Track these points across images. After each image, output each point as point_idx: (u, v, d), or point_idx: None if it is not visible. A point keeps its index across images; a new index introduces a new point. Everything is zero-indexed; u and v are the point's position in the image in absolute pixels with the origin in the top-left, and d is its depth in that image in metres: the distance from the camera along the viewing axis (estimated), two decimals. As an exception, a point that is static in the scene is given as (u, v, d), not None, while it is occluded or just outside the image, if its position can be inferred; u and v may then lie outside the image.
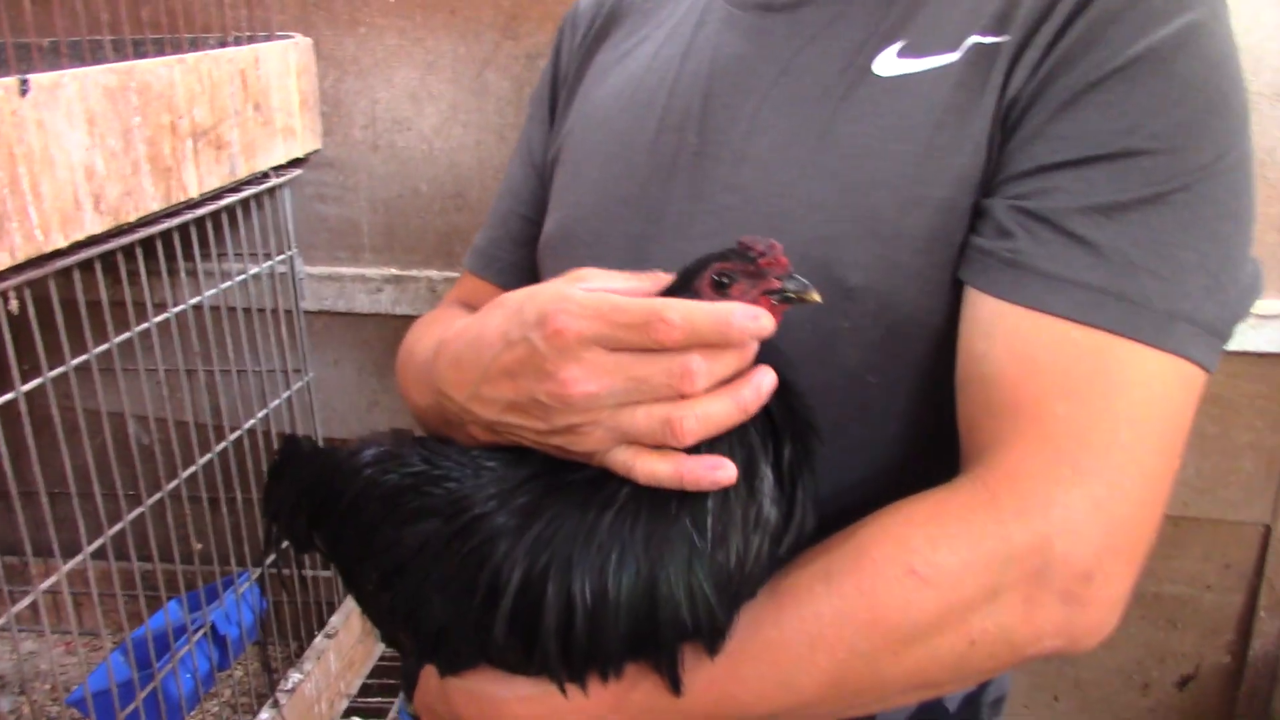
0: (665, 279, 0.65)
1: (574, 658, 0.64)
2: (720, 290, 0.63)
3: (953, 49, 0.73)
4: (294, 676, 1.64)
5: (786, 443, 0.64)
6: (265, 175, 1.57)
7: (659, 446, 0.62)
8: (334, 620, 1.79)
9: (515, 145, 1.08)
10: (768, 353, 0.64)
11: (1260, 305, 1.56)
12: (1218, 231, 0.67)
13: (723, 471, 0.60)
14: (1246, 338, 1.56)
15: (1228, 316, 0.67)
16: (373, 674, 1.87)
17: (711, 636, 0.64)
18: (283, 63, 1.58)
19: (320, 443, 1.72)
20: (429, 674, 0.75)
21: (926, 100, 0.72)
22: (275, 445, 1.62)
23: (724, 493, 0.62)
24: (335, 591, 1.83)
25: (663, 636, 0.62)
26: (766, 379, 0.61)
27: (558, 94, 1.00)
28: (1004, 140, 0.71)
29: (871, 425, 0.76)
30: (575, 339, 0.60)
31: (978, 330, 0.69)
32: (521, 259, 1.02)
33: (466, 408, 0.70)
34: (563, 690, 0.66)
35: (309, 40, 1.64)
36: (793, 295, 0.62)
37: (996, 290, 0.68)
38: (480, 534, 0.66)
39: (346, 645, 1.80)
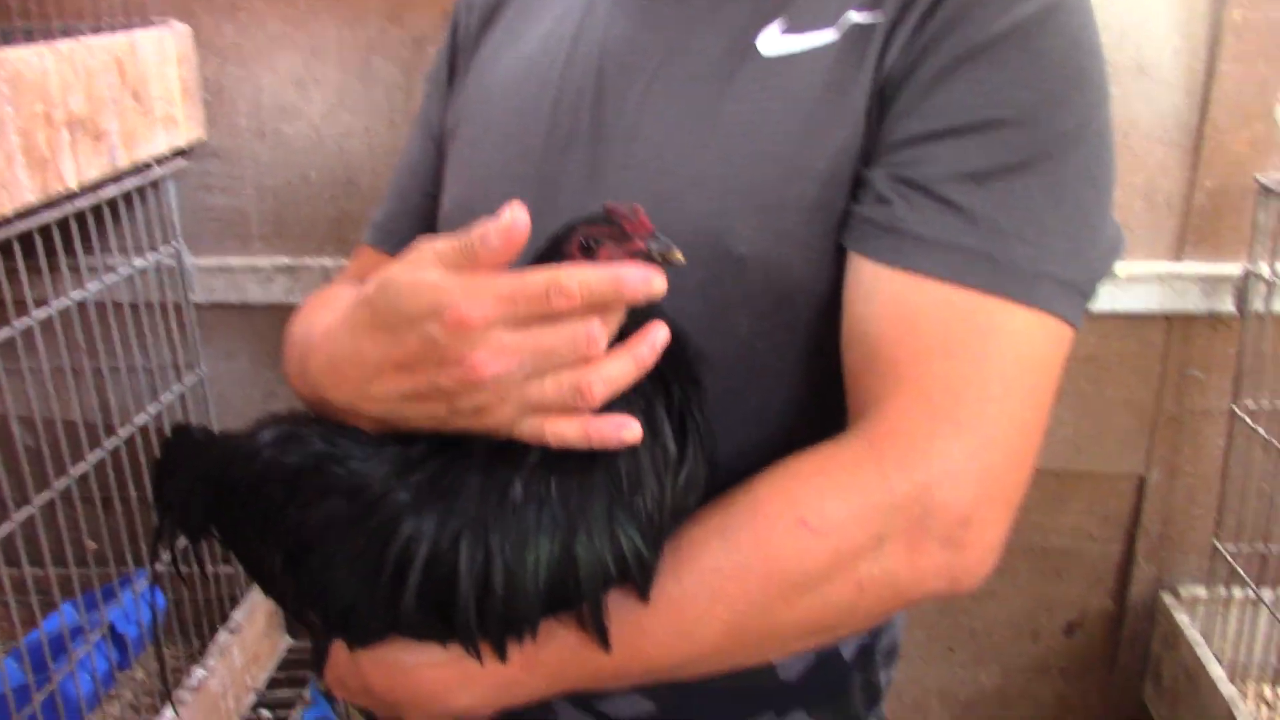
0: (506, 228, 0.63)
1: (491, 623, 0.65)
2: (587, 253, 0.65)
3: (831, 26, 0.76)
4: (198, 673, 1.62)
5: (675, 386, 0.67)
6: (147, 166, 1.54)
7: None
8: (237, 615, 1.77)
9: (411, 123, 1.08)
10: (649, 312, 0.66)
11: (1129, 268, 1.65)
12: (1079, 196, 0.71)
13: (628, 430, 0.63)
14: (1117, 298, 1.64)
15: (1090, 276, 0.72)
16: (280, 666, 1.86)
17: (642, 577, 0.66)
18: (160, 50, 1.54)
19: (216, 436, 1.70)
20: (339, 648, 0.76)
21: (808, 77, 0.75)
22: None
23: (630, 454, 0.64)
24: (238, 586, 1.81)
25: (586, 589, 0.64)
26: (660, 334, 0.63)
27: (455, 71, 1.00)
28: (881, 113, 0.74)
29: (764, 390, 0.79)
30: (481, 324, 0.60)
31: (859, 293, 0.73)
32: (421, 232, 1.03)
33: (353, 407, 0.70)
34: (478, 657, 0.67)
35: (187, 27, 1.61)
36: (657, 255, 0.64)
37: (877, 255, 0.71)
38: (384, 510, 0.67)
39: (251, 639, 1.78)
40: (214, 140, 1.69)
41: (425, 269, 0.64)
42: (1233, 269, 1.62)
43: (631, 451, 0.65)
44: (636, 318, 0.66)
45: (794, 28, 0.77)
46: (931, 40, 0.72)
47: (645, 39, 0.83)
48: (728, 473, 0.72)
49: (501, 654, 0.67)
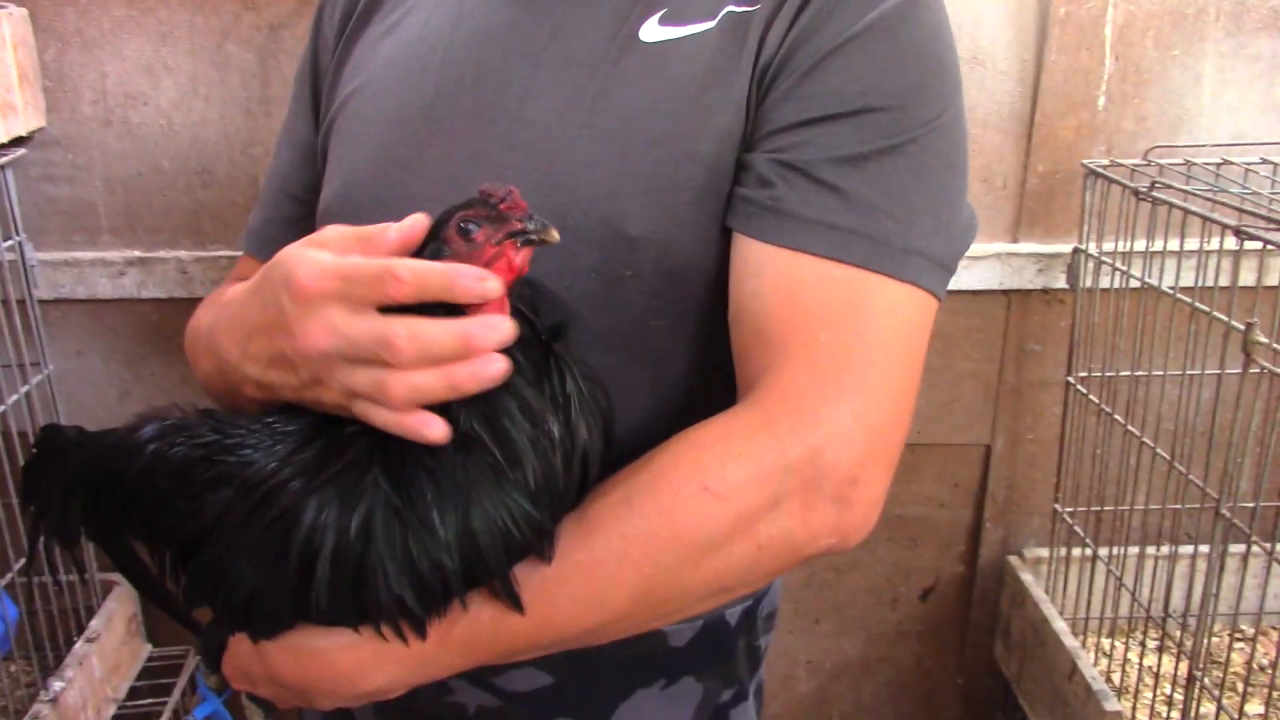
0: (407, 225, 0.68)
1: (409, 607, 0.66)
2: (466, 236, 0.67)
3: (710, 18, 0.80)
4: (55, 685, 1.55)
5: (555, 373, 0.69)
6: (-14, 156, 1.46)
7: None
8: (94, 624, 1.70)
9: (280, 127, 1.07)
10: (539, 294, 0.68)
11: (972, 248, 1.74)
12: (941, 178, 0.77)
13: (431, 429, 0.65)
14: (961, 277, 1.73)
15: (952, 252, 0.78)
16: (141, 675, 1.79)
17: (537, 540, 0.68)
18: (-3, 35, 1.47)
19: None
20: (240, 641, 0.75)
21: (689, 64, 0.79)
22: (16, 445, 1.52)
23: (502, 425, 0.66)
24: (94, 594, 1.74)
25: (490, 557, 0.66)
26: (490, 367, 0.64)
27: (320, 71, 1.00)
28: (760, 100, 0.78)
29: (658, 365, 0.82)
30: (316, 295, 0.65)
31: (746, 271, 0.76)
32: (295, 238, 1.02)
33: (238, 366, 0.75)
34: (402, 638, 0.68)
35: (24, 10, 1.53)
36: (534, 236, 0.66)
37: (761, 234, 0.76)
38: (282, 499, 0.67)
39: (110, 648, 1.71)
40: (55, 129, 1.61)
41: (314, 247, 0.68)
42: (1064, 248, 1.73)
43: (505, 435, 0.66)
44: (525, 300, 0.68)
45: (673, 19, 0.81)
46: (806, 30, 0.76)
47: (525, 24, 0.85)
48: (627, 444, 0.75)
49: (422, 633, 0.68)
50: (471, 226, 0.66)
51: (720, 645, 0.93)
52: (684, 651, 0.90)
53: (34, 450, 0.84)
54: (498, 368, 0.64)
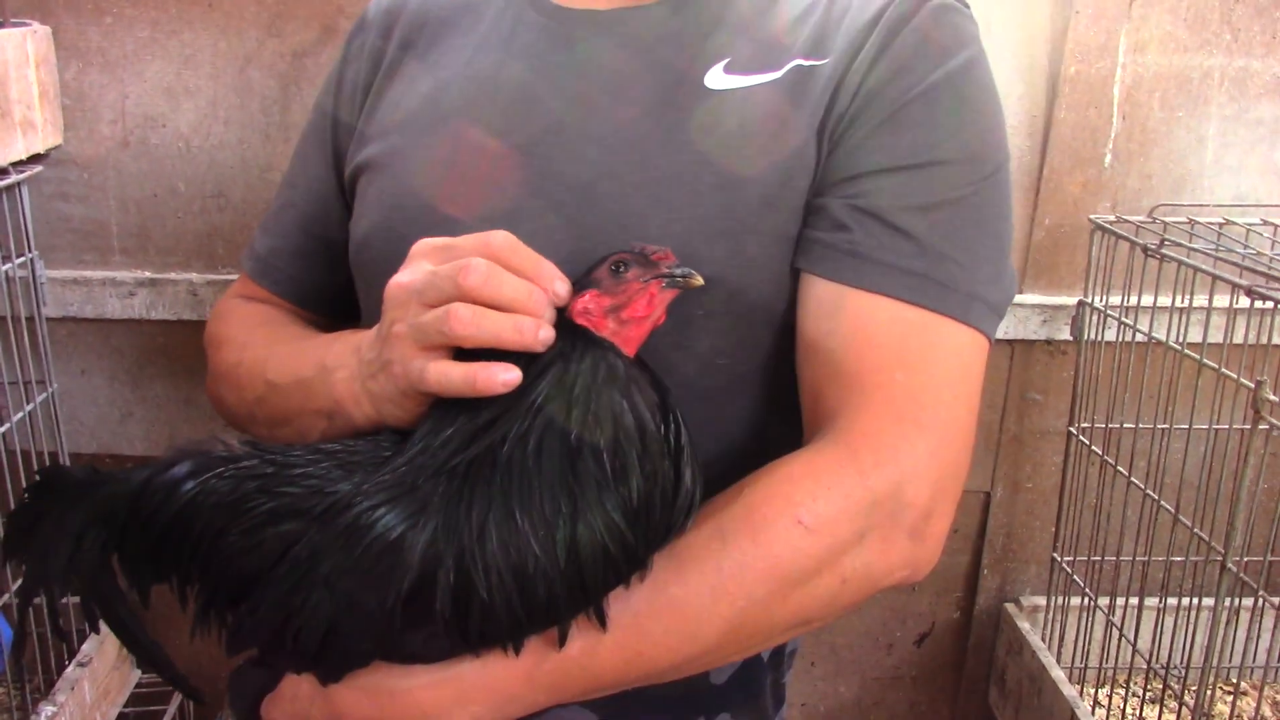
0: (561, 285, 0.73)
1: (519, 625, 0.66)
2: (616, 275, 0.71)
3: (776, 69, 0.82)
4: (46, 709, 1.52)
5: (670, 408, 0.71)
6: (5, 171, 1.46)
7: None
8: (86, 648, 1.67)
9: (293, 155, 1.06)
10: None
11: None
12: (996, 228, 0.81)
13: (509, 374, 0.67)
14: (968, 326, 1.74)
15: (1005, 299, 0.81)
16: (130, 702, 1.76)
17: (627, 560, 0.67)
18: (21, 51, 1.47)
19: (66, 459, 1.61)
20: (298, 683, 0.72)
21: (758, 111, 0.81)
22: (19, 463, 1.50)
23: (615, 440, 0.67)
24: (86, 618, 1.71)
25: (590, 575, 0.66)
26: (548, 333, 0.69)
27: (344, 106, 1.00)
28: (830, 150, 0.81)
29: (720, 402, 0.84)
30: (417, 253, 0.72)
31: (821, 311, 0.78)
32: (299, 271, 1.03)
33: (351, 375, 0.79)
34: (505, 651, 0.68)
35: (48, 28, 1.54)
36: (680, 279, 0.70)
37: (837, 276, 0.78)
38: (376, 529, 0.65)
39: (101, 673, 1.69)
40: (72, 147, 1.61)
41: None
42: (1068, 300, 1.75)
43: (616, 448, 0.67)
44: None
45: (738, 68, 0.83)
46: (877, 86, 0.80)
47: (577, 67, 0.86)
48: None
49: (518, 649, 0.68)
50: (623, 267, 0.71)
51: (753, 682, 0.94)
52: (723, 689, 0.91)
53: (26, 495, 0.76)
54: (550, 334, 0.69)
